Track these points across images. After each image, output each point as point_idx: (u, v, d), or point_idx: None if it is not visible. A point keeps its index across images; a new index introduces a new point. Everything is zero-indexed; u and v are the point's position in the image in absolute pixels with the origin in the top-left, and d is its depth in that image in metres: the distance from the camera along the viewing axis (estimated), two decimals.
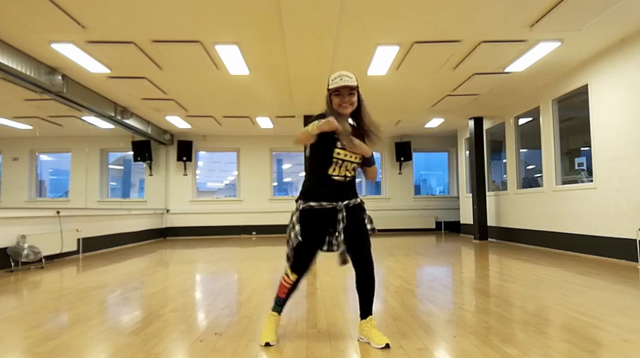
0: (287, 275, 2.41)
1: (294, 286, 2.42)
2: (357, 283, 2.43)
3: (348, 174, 2.41)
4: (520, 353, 2.11)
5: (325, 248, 2.44)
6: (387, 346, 2.26)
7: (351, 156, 2.38)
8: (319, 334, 2.51)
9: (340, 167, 2.37)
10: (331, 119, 2.17)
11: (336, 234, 2.36)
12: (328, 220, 2.37)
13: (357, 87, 2.36)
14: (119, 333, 2.57)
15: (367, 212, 2.51)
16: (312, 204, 2.35)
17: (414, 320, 2.78)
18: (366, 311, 2.41)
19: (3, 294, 3.90)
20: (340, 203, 2.37)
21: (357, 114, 2.42)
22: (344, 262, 2.41)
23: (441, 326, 2.65)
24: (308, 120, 2.48)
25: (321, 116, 2.35)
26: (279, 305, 2.44)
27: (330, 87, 2.34)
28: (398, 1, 4.25)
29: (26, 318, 2.97)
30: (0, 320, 2.93)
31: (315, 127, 2.18)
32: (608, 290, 3.66)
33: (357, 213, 2.43)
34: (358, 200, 2.47)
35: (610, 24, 4.83)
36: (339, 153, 2.35)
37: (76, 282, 4.50)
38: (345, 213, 2.36)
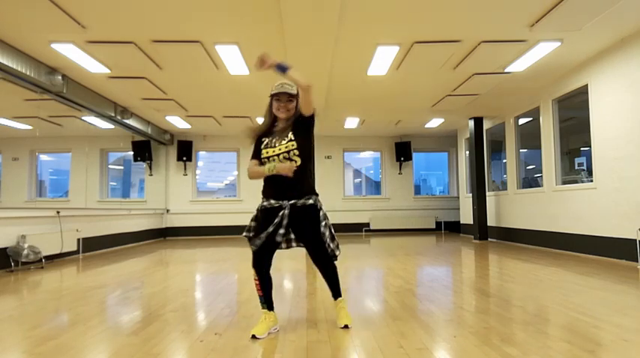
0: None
1: (261, 281, 2.55)
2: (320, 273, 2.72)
3: None
4: (520, 353, 2.11)
5: (284, 246, 2.64)
6: (346, 327, 2.54)
7: (274, 151, 2.50)
8: (319, 334, 2.51)
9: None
10: (288, 166, 2.42)
11: (283, 230, 2.49)
12: (275, 218, 2.50)
13: (297, 95, 2.53)
14: (119, 333, 2.57)
15: (327, 222, 2.59)
16: (264, 204, 2.54)
17: (414, 320, 2.78)
18: (334, 293, 2.68)
19: (3, 294, 3.90)
20: (286, 201, 2.49)
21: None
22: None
23: (441, 326, 2.64)
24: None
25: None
26: (262, 302, 2.58)
27: (271, 92, 2.54)
28: (398, 1, 4.25)
29: (26, 318, 2.97)
30: (0, 320, 2.92)
31: (270, 171, 2.44)
32: (608, 290, 3.66)
33: (307, 214, 2.53)
34: (310, 201, 2.54)
35: (610, 24, 4.83)
36: (263, 154, 2.53)
37: (76, 282, 4.50)
38: (288, 212, 2.47)
